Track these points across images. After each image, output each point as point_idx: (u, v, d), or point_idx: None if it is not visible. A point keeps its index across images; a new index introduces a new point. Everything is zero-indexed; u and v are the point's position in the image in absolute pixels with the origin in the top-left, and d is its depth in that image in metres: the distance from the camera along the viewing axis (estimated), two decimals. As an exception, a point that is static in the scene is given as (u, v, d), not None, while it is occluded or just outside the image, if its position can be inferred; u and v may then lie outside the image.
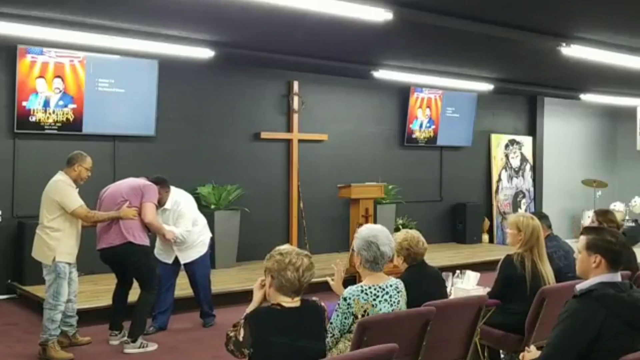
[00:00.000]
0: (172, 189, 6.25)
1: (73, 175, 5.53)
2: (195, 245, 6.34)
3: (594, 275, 2.97)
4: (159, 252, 6.34)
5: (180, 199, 6.23)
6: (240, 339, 2.83)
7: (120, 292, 6.00)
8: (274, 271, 2.93)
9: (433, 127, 11.44)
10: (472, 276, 4.82)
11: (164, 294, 6.27)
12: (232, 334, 2.88)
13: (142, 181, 5.92)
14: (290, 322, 2.88)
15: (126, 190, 5.80)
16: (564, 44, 7.28)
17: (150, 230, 5.93)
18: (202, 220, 6.51)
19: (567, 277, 4.70)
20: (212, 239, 6.73)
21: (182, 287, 6.57)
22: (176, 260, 6.33)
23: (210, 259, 6.68)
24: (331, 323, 3.47)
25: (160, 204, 6.08)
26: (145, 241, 5.79)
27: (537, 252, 4.50)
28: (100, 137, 8.27)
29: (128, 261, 5.76)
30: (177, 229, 6.12)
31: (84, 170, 5.57)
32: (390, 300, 3.58)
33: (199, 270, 6.40)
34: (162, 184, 6.10)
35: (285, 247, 3.02)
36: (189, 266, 6.37)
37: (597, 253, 2.97)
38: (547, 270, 4.49)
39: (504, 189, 12.51)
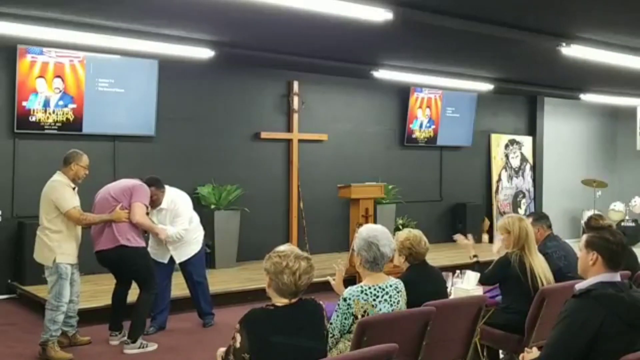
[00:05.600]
0: (167, 188, 6.19)
1: (70, 175, 5.49)
2: (191, 244, 6.31)
3: (592, 273, 2.98)
4: (154, 252, 6.24)
5: (176, 198, 6.19)
6: (238, 345, 2.78)
7: (120, 292, 5.99)
8: (271, 273, 2.92)
9: (433, 127, 11.45)
10: (472, 276, 4.82)
11: (160, 294, 6.25)
12: (230, 345, 2.85)
13: (132, 182, 5.85)
14: (285, 319, 2.86)
15: (115, 191, 5.73)
16: (564, 44, 7.28)
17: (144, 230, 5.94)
18: (196, 219, 6.47)
19: (567, 277, 4.69)
20: (212, 239, 6.72)
21: (182, 287, 6.56)
22: (171, 259, 6.29)
23: (206, 258, 6.64)
24: (331, 324, 3.47)
25: (156, 204, 6.07)
26: (140, 242, 5.76)
27: (527, 251, 4.51)
28: (100, 137, 8.27)
29: (124, 264, 5.73)
30: (173, 228, 6.10)
31: (81, 169, 5.53)
32: (390, 301, 3.58)
33: (195, 269, 6.37)
34: (156, 184, 6.05)
35: (284, 249, 2.99)
36: (184, 266, 6.34)
37: (594, 250, 2.98)
38: (539, 269, 4.47)
39: (504, 189, 12.51)
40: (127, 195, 5.69)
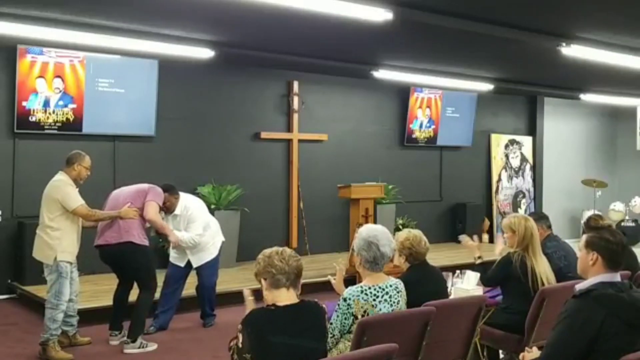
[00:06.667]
0: (182, 194, 6.29)
1: (73, 175, 5.54)
2: (208, 248, 6.40)
3: (592, 273, 2.97)
4: (174, 257, 6.40)
5: (189, 204, 6.28)
6: (240, 345, 2.82)
7: (121, 292, 6.01)
8: (262, 270, 2.96)
9: (433, 127, 11.45)
10: (472, 276, 4.82)
11: (170, 294, 6.32)
12: (232, 344, 2.87)
13: (148, 185, 5.97)
14: (286, 319, 2.87)
15: (130, 192, 5.86)
16: (564, 44, 7.28)
17: (156, 230, 5.97)
18: (215, 224, 6.55)
19: (567, 277, 4.70)
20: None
21: (184, 287, 6.58)
22: (188, 263, 6.37)
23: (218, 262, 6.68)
24: (331, 324, 3.47)
25: (170, 210, 6.17)
26: (144, 241, 5.79)
27: (531, 251, 4.51)
28: (100, 137, 8.27)
29: (125, 261, 5.77)
30: (187, 233, 6.16)
31: (84, 170, 5.58)
32: (390, 301, 3.58)
33: (207, 274, 6.44)
34: (171, 190, 6.15)
35: (264, 250, 3.07)
36: (199, 269, 6.43)
37: (594, 250, 2.97)
38: (541, 270, 4.49)
39: (504, 189, 12.51)
40: (142, 195, 5.81)
